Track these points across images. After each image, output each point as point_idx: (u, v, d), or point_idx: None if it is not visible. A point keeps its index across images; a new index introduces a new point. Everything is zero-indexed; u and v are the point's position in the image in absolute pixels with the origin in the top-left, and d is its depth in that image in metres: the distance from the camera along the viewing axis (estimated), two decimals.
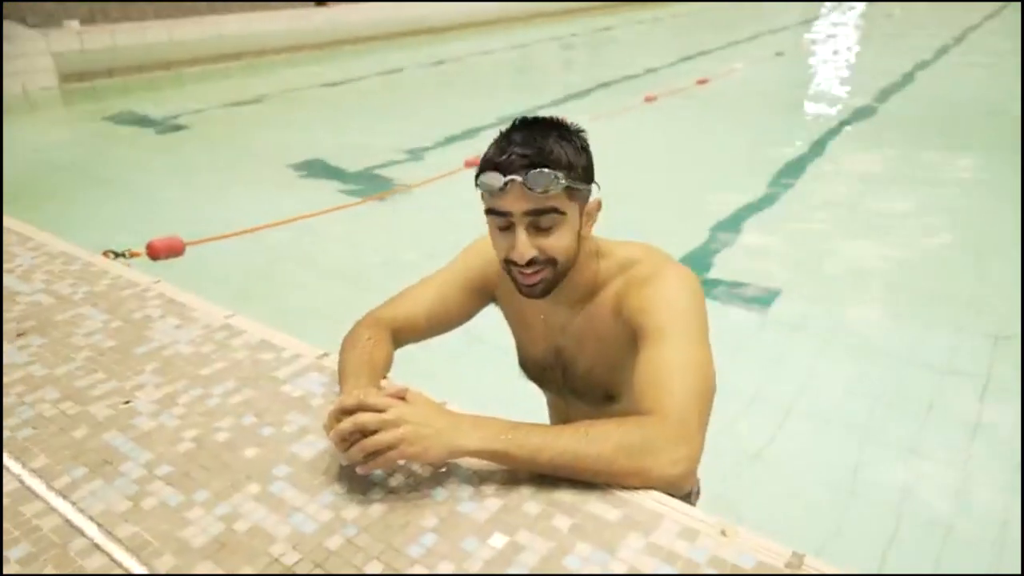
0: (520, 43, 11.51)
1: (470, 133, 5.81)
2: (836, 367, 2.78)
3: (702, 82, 7.37)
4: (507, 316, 1.45)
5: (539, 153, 1.10)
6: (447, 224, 3.97)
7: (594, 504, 1.00)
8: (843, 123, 6.15)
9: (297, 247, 3.74)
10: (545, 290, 1.19)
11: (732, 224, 4.03)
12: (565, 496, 1.01)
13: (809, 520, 2.05)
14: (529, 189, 1.09)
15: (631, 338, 1.18)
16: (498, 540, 0.95)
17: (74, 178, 5.01)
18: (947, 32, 11.50)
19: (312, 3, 11.96)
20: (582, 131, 1.21)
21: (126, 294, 1.67)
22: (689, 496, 1.49)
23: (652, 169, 5.09)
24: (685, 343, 1.12)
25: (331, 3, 12.31)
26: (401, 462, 1.05)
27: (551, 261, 1.15)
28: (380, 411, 0.99)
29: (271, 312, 1.70)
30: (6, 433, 1.18)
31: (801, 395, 2.60)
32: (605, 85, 7.70)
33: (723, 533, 0.96)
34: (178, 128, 6.31)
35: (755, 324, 3.07)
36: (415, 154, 5.32)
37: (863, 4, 17.04)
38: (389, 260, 3.62)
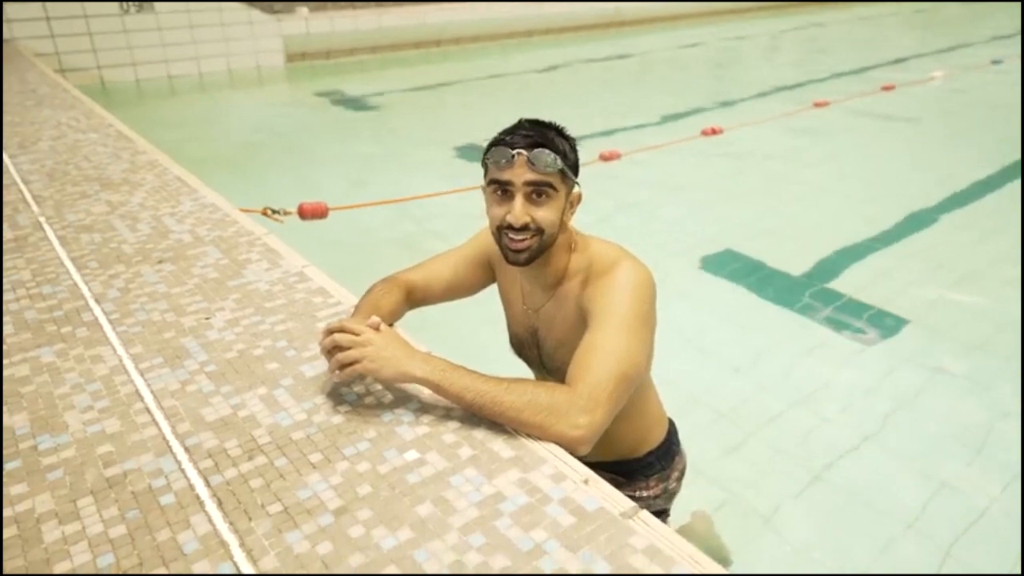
0: (721, 38, 11.26)
1: (627, 129, 5.94)
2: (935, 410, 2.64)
3: (887, 88, 6.85)
4: (500, 294, 1.65)
5: (543, 136, 1.32)
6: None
7: (497, 444, 1.22)
8: None
9: (428, 221, 4.14)
10: (529, 258, 1.37)
11: (875, 242, 3.85)
12: (478, 433, 1.24)
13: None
14: (531, 163, 1.30)
15: (585, 322, 1.37)
16: (411, 455, 1.20)
17: (278, 145, 5.86)
18: None
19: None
20: (573, 139, 1.41)
21: (242, 240, 2.11)
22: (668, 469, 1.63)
23: (799, 175, 4.92)
24: (616, 332, 1.28)
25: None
26: (366, 379, 1.35)
27: (539, 230, 1.34)
28: (356, 335, 1.28)
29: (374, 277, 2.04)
30: (124, 328, 1.63)
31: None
32: (778, 89, 7.39)
33: (586, 482, 1.14)
34: (371, 107, 7.07)
35: (868, 349, 2.97)
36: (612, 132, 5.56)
37: None
38: None
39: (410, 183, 4.64)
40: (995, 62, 8.37)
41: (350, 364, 1.25)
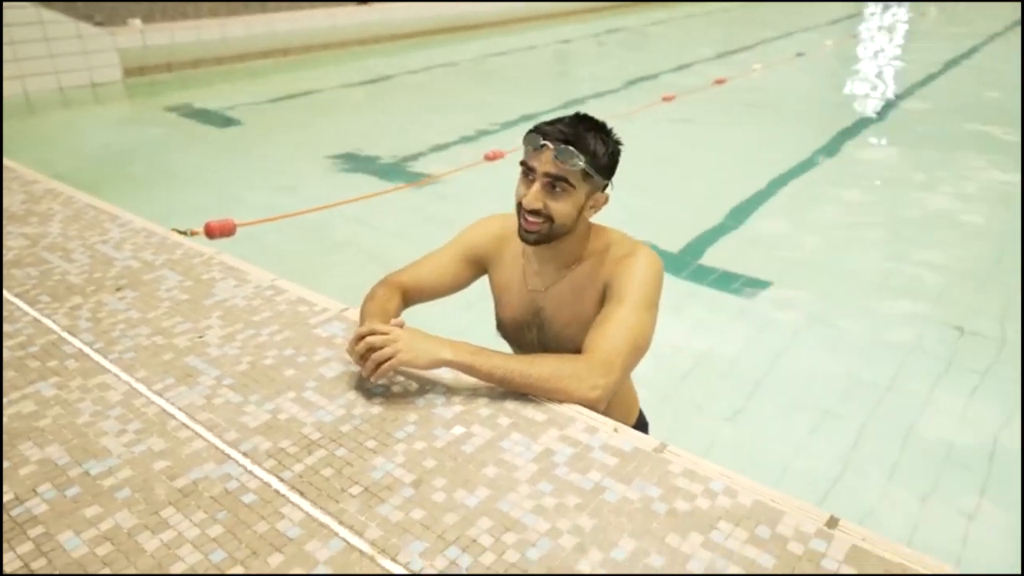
0: (552, 40, 11.83)
1: (496, 128, 6.20)
2: (810, 340, 3.10)
3: (720, 82, 7.63)
4: (493, 282, 1.78)
5: (575, 136, 1.45)
6: (465, 210, 4.40)
7: (528, 411, 1.41)
8: (851, 124, 6.37)
9: (333, 230, 4.18)
10: (537, 240, 1.51)
11: (733, 218, 4.35)
12: (509, 404, 1.42)
13: None
14: (556, 157, 1.45)
15: (602, 299, 1.54)
16: (458, 430, 1.36)
17: (138, 165, 5.54)
18: (975, 32, 11.48)
19: (355, 2, 12.47)
20: (620, 142, 1.56)
21: (195, 262, 2.12)
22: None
23: (662, 163, 5.42)
24: (632, 308, 1.46)
25: (373, 2, 12.79)
26: (398, 374, 1.48)
27: (549, 218, 1.48)
28: (386, 335, 1.40)
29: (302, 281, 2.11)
30: (115, 355, 1.63)
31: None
32: (629, 84, 8.01)
33: (615, 431, 1.36)
34: (231, 121, 6.83)
35: (738, 307, 3.40)
36: (442, 147, 5.73)
37: (900, 8, 16.90)
38: (412, 240, 4.05)
39: (293, 196, 4.62)
40: (799, 54, 9.52)
41: (385, 362, 1.38)
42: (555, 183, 1.46)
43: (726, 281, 3.61)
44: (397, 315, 1.63)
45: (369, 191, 4.55)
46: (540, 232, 1.49)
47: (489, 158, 4.93)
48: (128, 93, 7.81)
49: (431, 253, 1.78)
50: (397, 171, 5.18)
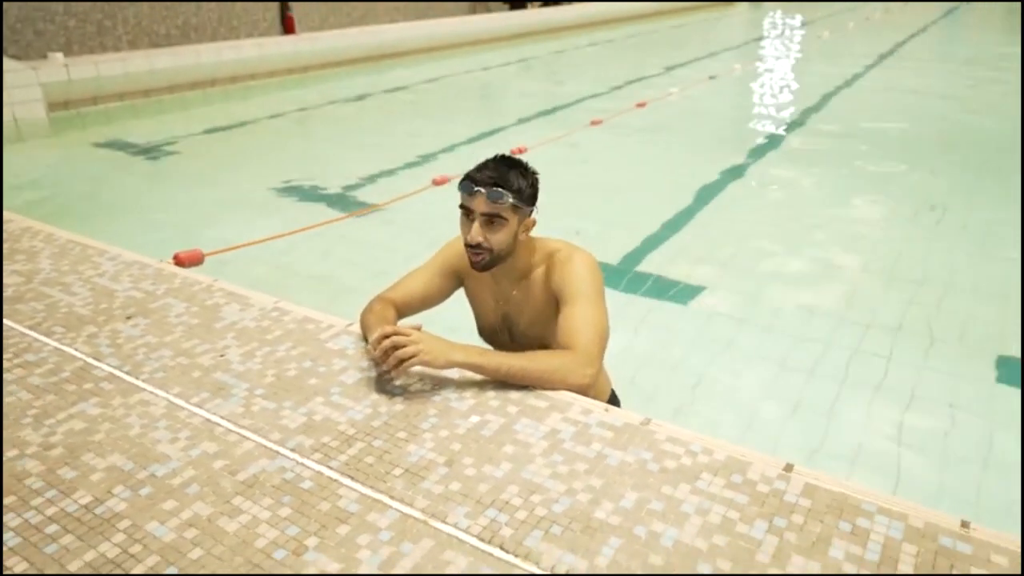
0: (478, 66, 12.19)
1: (434, 155, 6.44)
2: (748, 346, 3.45)
3: (641, 105, 8.13)
4: (468, 294, 2.07)
5: (501, 178, 1.73)
6: (415, 236, 4.60)
7: (531, 399, 1.65)
8: (764, 141, 6.93)
9: (285, 260, 4.30)
10: (484, 267, 1.79)
11: (663, 232, 4.72)
12: (513, 395, 1.66)
13: None
14: (488, 199, 1.73)
15: (555, 301, 1.83)
16: (474, 419, 1.59)
17: (71, 202, 5.48)
18: (875, 51, 12.53)
19: (280, 33, 12.56)
20: (536, 173, 1.85)
21: (195, 290, 2.27)
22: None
23: (597, 185, 5.78)
24: (589, 304, 1.76)
25: (299, 32, 12.89)
26: (412, 377, 1.70)
27: (490, 249, 1.77)
28: (406, 335, 1.63)
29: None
30: (146, 375, 1.79)
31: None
32: (557, 108, 8.41)
33: (606, 410, 1.62)
34: (165, 154, 6.81)
35: (678, 314, 3.74)
36: (386, 174, 5.91)
37: (798, 30, 18.12)
38: (369, 269, 4.22)
39: (242, 228, 4.70)
40: (711, 77, 10.19)
41: (407, 359, 1.61)
42: (492, 219, 1.74)
43: (663, 288, 3.95)
44: (392, 324, 1.86)
45: (319, 219, 4.71)
46: (485, 261, 1.78)
47: (438, 183, 5.16)
48: (54, 129, 7.65)
49: (414, 271, 2.04)
50: (343, 200, 5.32)
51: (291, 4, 13.36)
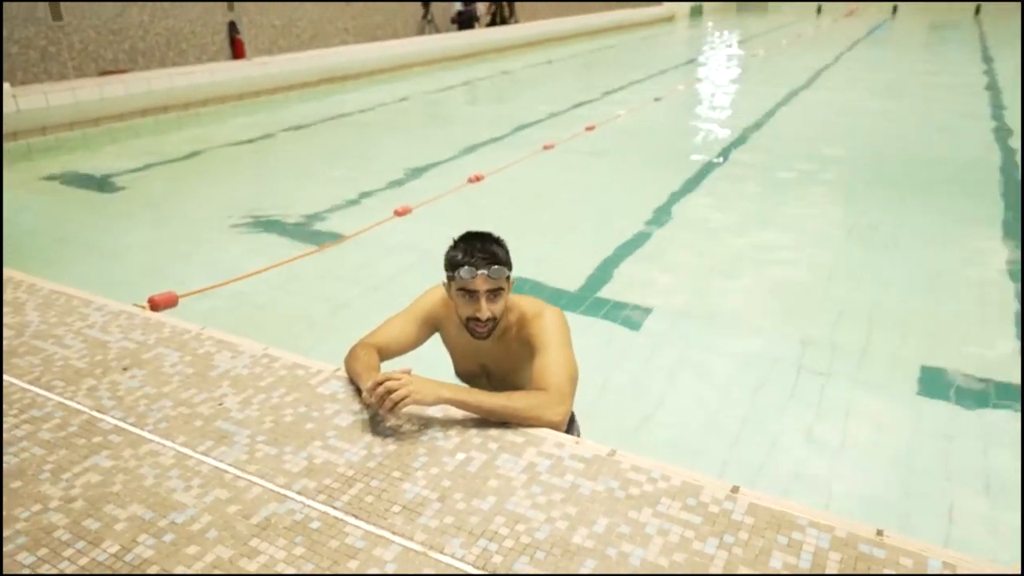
0: (430, 88, 12.38)
1: (394, 182, 6.59)
2: (695, 359, 3.70)
3: (590, 128, 8.44)
4: (446, 342, 2.28)
5: (494, 257, 1.95)
6: (380, 268, 4.76)
7: (510, 435, 1.85)
8: (710, 162, 7.29)
9: (260, 298, 4.40)
10: (489, 335, 2.03)
11: (618, 256, 4.97)
12: (494, 432, 1.86)
13: None
14: (490, 277, 1.94)
15: (530, 352, 2.04)
16: (460, 456, 1.78)
17: (22, 239, 5.45)
18: (808, 68, 13.16)
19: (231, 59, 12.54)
20: (506, 244, 2.07)
21: (186, 338, 2.41)
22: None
23: (553, 211, 6.03)
24: (559, 351, 1.98)
25: (251, 56, 12.88)
26: (401, 420, 1.89)
27: (495, 319, 2.00)
28: (398, 379, 1.81)
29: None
30: (150, 427, 1.93)
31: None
32: (510, 132, 8.65)
33: (576, 442, 1.83)
34: (119, 186, 6.79)
35: (628, 337, 3.98)
36: (347, 204, 6.04)
37: (735, 48, 18.82)
38: (340, 302, 4.36)
39: (206, 265, 4.78)
40: (656, 99, 10.59)
41: (401, 401, 1.79)
42: (494, 293, 1.96)
43: (618, 310, 4.19)
44: (378, 370, 2.05)
45: (280, 254, 4.81)
46: (491, 329, 2.01)
47: (400, 213, 5.33)
48: (3, 161, 7.55)
49: (393, 318, 2.23)
50: (305, 232, 5.42)
51: (240, 27, 13.35)
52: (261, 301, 4.29)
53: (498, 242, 2.02)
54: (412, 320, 2.21)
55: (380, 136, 8.87)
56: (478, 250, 1.96)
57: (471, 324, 2.01)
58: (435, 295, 2.23)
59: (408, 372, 1.87)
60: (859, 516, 1.64)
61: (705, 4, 28.04)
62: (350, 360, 2.09)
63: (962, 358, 3.60)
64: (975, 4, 25.50)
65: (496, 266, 1.94)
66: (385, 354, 2.16)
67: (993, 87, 12.14)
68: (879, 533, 1.50)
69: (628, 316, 4.13)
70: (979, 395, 3.30)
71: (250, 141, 8.53)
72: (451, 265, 1.99)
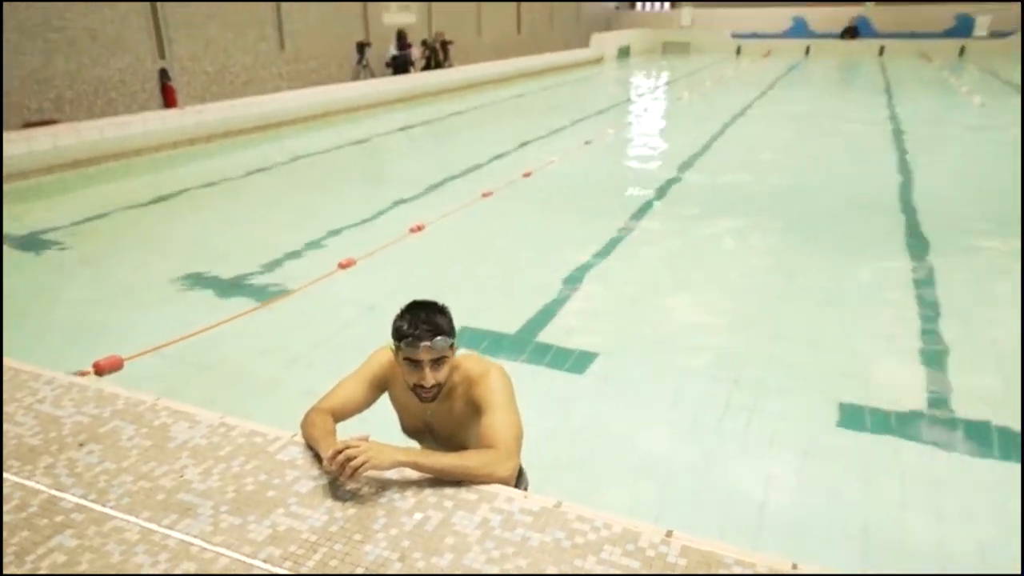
0: (368, 134, 12.52)
1: (335, 232, 6.67)
2: (638, 407, 3.90)
3: (527, 174, 8.72)
4: (393, 401, 2.40)
5: (437, 328, 2.09)
6: (326, 322, 4.83)
7: (463, 493, 1.98)
8: (643, 204, 7.64)
9: (205, 358, 4.40)
10: (433, 399, 2.17)
11: (558, 301, 5.18)
12: (448, 491, 1.99)
13: None
14: (433, 348, 2.07)
15: (476, 411, 2.18)
16: (417, 516, 1.90)
17: None
18: (730, 109, 13.89)
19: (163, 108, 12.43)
20: (446, 306, 2.22)
21: (141, 409, 2.46)
22: (519, 486, 2.49)
23: (494, 258, 6.22)
24: (504, 409, 2.13)
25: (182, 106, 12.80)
26: (359, 484, 2.00)
27: (439, 385, 2.14)
28: (356, 446, 1.92)
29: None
30: (112, 503, 1.98)
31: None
32: (449, 179, 8.85)
33: (525, 497, 1.98)
34: (49, 244, 6.64)
35: (571, 381, 4.16)
36: (289, 256, 6.07)
37: (661, 90, 19.63)
38: (287, 359, 4.41)
39: (152, 324, 4.75)
40: (587, 142, 11.00)
41: (361, 467, 1.91)
42: (437, 362, 2.11)
43: (559, 356, 4.37)
44: (334, 434, 2.16)
45: (224, 311, 4.83)
46: (435, 395, 2.15)
47: (343, 266, 5.42)
48: None
49: (343, 381, 2.34)
50: (247, 287, 5.41)
51: (172, 75, 13.25)
52: (207, 361, 4.30)
53: (442, 312, 2.17)
54: (362, 382, 2.33)
55: (319, 185, 8.93)
56: (422, 321, 2.10)
57: (416, 390, 2.14)
58: (383, 356, 2.36)
59: (366, 438, 1.99)
60: (790, 545, 1.84)
61: (632, 46, 29.17)
62: (306, 427, 2.20)
63: (872, 391, 3.92)
64: (879, 45, 27.32)
65: (439, 337, 2.08)
66: (339, 417, 2.26)
67: (895, 118, 13.12)
68: (794, 566, 1.70)
69: (568, 361, 4.32)
70: (891, 425, 3.60)
71: (186, 192, 8.47)
72: (397, 335, 2.13)
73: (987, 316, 4.89)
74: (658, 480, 3.24)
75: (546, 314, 4.94)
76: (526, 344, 4.51)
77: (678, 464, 3.35)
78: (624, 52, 28.52)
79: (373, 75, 17.54)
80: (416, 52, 18.82)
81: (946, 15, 28.05)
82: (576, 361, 4.30)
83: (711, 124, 12.44)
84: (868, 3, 24.29)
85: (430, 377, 2.10)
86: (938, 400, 3.82)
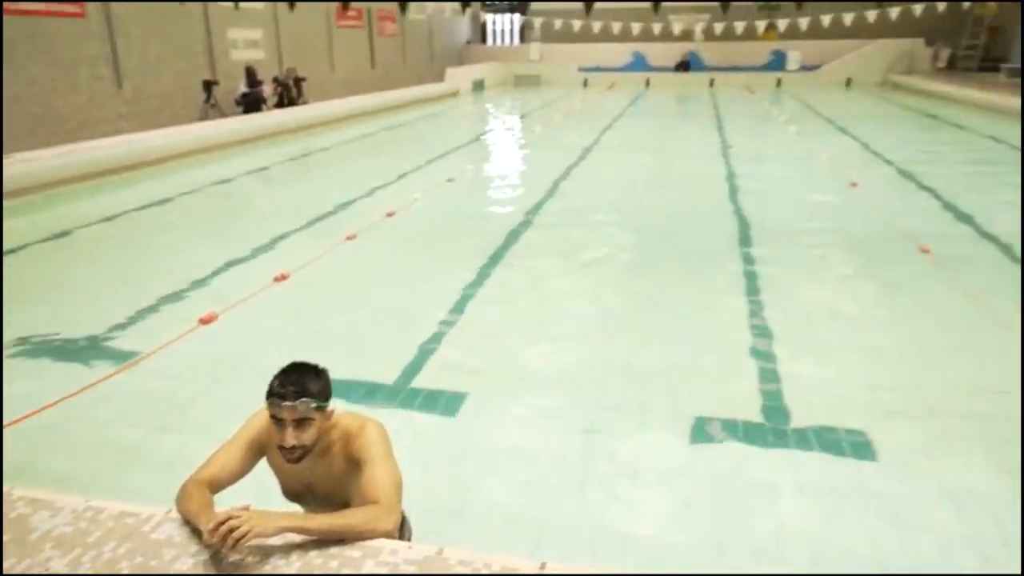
0: (221, 176, 12.06)
1: (195, 284, 6.41)
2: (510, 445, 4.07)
3: (390, 215, 8.81)
4: (272, 465, 2.44)
5: (304, 390, 2.16)
6: (191, 381, 4.66)
7: (348, 551, 2.06)
8: (506, 238, 7.93)
9: (54, 435, 4.10)
10: (299, 460, 2.22)
11: (428, 344, 5.28)
12: (333, 550, 2.06)
13: None
14: (296, 408, 2.14)
15: (355, 467, 2.26)
16: None
17: None
18: (581, 142, 14.66)
19: None
20: (327, 370, 2.29)
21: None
22: (403, 536, 2.58)
23: (361, 304, 6.23)
24: (383, 463, 2.23)
25: None
26: (242, 552, 2.02)
27: (304, 447, 2.20)
28: (239, 516, 1.95)
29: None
30: None
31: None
32: (311, 222, 8.74)
33: (409, 547, 2.08)
34: None
35: (445, 424, 4.26)
36: (145, 313, 5.76)
37: (516, 124, 20.37)
38: (153, 426, 4.21)
39: (8, 398, 4.40)
40: (449, 180, 11.23)
41: (243, 537, 1.93)
42: (300, 423, 2.17)
43: (430, 399, 4.48)
44: (212, 506, 2.17)
45: (76, 379, 4.55)
46: (300, 456, 2.22)
47: (204, 322, 5.25)
48: None
49: (221, 449, 2.36)
50: (102, 352, 5.05)
51: None
52: (63, 437, 4.04)
53: (317, 375, 2.24)
54: (239, 447, 2.34)
55: (174, 233, 8.53)
56: (291, 382, 2.17)
57: (282, 450, 2.19)
58: (260, 419, 2.38)
59: (247, 508, 2.02)
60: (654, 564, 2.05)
61: (486, 79, 30.02)
62: (183, 500, 2.18)
63: (721, 405, 4.33)
64: (709, 77, 29.80)
65: (304, 399, 2.15)
66: (217, 487, 2.27)
67: (724, 145, 14.43)
68: None
69: (439, 403, 4.43)
70: (740, 435, 4.00)
71: (24, 248, 7.81)
72: (267, 394, 2.19)
73: (814, 315, 5.55)
74: (531, 513, 3.41)
75: (417, 358, 5.02)
76: (398, 391, 4.58)
77: (549, 493, 3.55)
78: (479, 85, 29.29)
79: (223, 114, 16.96)
80: (268, 89, 18.41)
81: (764, 51, 31.11)
82: (447, 403, 4.42)
83: (566, 156, 13.07)
84: (698, 40, 26.54)
85: (290, 438, 2.15)
86: (780, 407, 4.28)
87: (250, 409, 2.51)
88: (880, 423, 4.06)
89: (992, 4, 23.90)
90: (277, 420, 2.17)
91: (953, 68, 28.76)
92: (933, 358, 4.96)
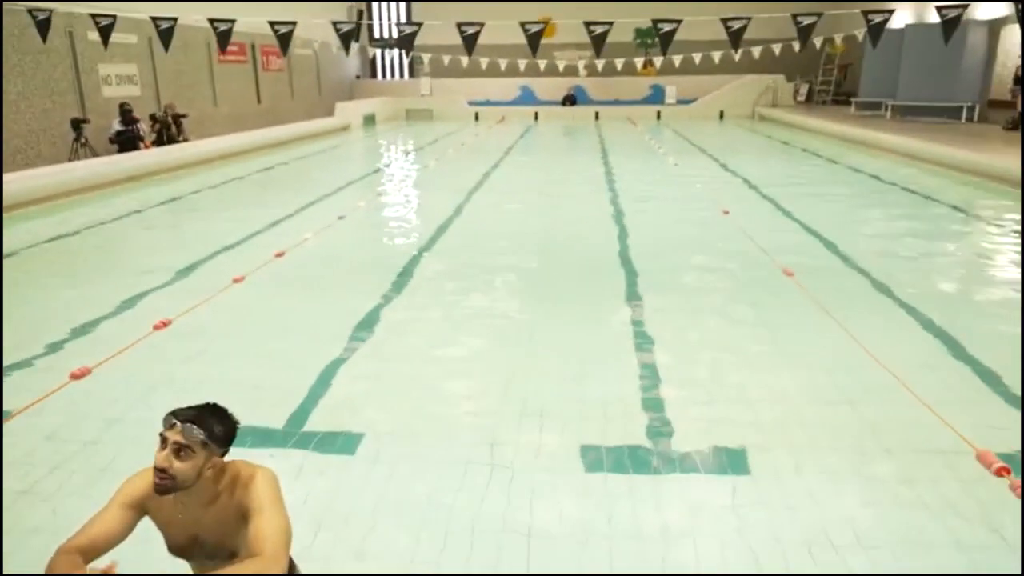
0: (94, 219, 11.42)
1: (69, 337, 6.04)
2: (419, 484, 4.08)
3: (280, 255, 8.63)
4: (155, 520, 2.36)
5: (199, 418, 2.14)
6: (67, 439, 4.39)
7: None
8: (400, 276, 7.94)
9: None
10: (163, 491, 2.17)
11: (322, 385, 5.22)
12: None
13: None
14: (182, 432, 2.11)
15: (243, 515, 2.24)
16: None
17: None
18: (475, 175, 14.90)
19: None
20: (238, 423, 2.28)
21: None
22: None
23: (249, 350, 6.07)
24: (271, 511, 2.22)
25: None
26: None
27: (173, 477, 2.15)
28: None
29: None
30: None
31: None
32: (194, 265, 8.43)
33: None
34: None
35: (348, 466, 4.23)
36: (12, 369, 5.38)
37: (409, 158, 20.45)
38: (15, 493, 3.93)
39: None
40: (340, 217, 11.10)
41: None
42: (181, 449, 2.16)
43: (329, 441, 4.43)
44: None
45: None
46: (166, 486, 2.18)
47: (76, 376, 4.95)
48: None
49: (97, 515, 2.29)
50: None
51: None
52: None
53: (223, 419, 2.24)
54: (117, 508, 2.27)
55: (39, 282, 8.00)
56: (194, 410, 2.18)
57: (155, 472, 2.15)
58: (139, 479, 2.32)
59: (112, 567, 1.96)
60: None
61: (377, 113, 29.98)
62: (50, 572, 2.08)
63: (610, 432, 4.51)
64: (594, 110, 31.05)
65: (193, 426, 2.14)
66: (92, 554, 2.18)
67: (610, 176, 15.09)
68: None
69: (336, 444, 4.40)
70: (627, 463, 4.18)
71: None
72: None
73: (698, 344, 5.89)
74: (433, 546, 3.44)
75: (310, 401, 4.96)
76: (291, 435, 4.51)
77: (449, 528, 3.58)
78: (370, 120, 29.19)
79: (95, 154, 16.08)
80: (145, 127, 17.64)
81: (644, 86, 32.76)
82: (344, 443, 4.39)
83: (458, 192, 13.24)
84: (582, 75, 27.63)
85: (163, 457, 2.13)
86: (664, 431, 4.51)
87: (128, 470, 2.44)
88: (752, 437, 4.37)
89: (840, 44, 26.28)
90: (161, 439, 2.14)
91: (811, 101, 31.38)
92: (797, 370, 5.37)
